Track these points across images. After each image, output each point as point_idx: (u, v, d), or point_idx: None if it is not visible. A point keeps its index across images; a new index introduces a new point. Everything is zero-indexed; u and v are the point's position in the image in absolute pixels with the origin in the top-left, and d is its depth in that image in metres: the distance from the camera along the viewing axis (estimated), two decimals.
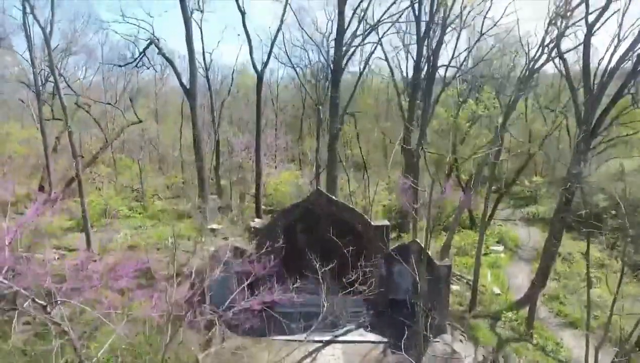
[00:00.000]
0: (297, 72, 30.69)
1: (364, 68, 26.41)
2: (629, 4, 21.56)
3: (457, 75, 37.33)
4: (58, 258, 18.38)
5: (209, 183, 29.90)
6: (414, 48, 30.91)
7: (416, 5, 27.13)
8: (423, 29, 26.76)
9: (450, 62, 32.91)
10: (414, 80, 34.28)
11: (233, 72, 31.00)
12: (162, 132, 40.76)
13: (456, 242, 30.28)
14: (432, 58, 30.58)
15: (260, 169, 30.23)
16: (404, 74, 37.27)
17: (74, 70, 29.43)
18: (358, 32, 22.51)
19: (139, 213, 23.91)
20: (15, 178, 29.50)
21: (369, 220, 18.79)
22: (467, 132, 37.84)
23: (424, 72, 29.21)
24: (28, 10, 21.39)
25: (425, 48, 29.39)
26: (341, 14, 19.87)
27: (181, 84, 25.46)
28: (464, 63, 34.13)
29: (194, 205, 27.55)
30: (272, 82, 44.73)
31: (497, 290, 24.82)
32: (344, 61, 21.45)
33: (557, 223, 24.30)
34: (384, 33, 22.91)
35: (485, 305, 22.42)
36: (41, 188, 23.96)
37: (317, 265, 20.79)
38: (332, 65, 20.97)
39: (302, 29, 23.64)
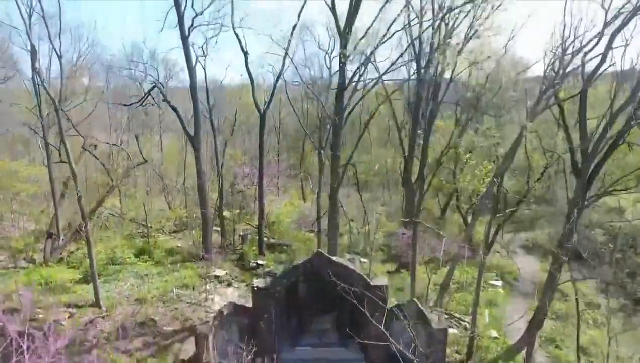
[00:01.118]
0: (295, 111, 31.12)
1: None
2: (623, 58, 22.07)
3: (457, 108, 38.00)
4: (68, 317, 18.99)
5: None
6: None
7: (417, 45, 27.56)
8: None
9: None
10: (414, 114, 34.85)
11: (236, 113, 31.48)
12: (166, 158, 41.37)
13: (455, 276, 30.77)
14: (432, 94, 31.15)
15: (263, 205, 30.80)
16: (404, 105, 37.79)
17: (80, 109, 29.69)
18: (359, 67, 22.77)
19: (145, 261, 24.51)
20: (23, 218, 30.27)
21: (368, 280, 19.31)
22: (466, 161, 38.42)
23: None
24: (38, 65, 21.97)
25: (425, 86, 29.93)
26: (342, 68, 20.34)
27: (185, 131, 25.99)
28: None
29: (196, 247, 28.24)
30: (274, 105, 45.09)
31: (494, 334, 25.32)
32: (345, 114, 21.95)
33: (554, 271, 24.85)
34: (385, 71, 23.06)
35: (483, 354, 22.93)
36: (50, 236, 24.56)
37: (318, 320, 21.56)
38: (334, 118, 21.46)
39: (303, 82, 24.05)
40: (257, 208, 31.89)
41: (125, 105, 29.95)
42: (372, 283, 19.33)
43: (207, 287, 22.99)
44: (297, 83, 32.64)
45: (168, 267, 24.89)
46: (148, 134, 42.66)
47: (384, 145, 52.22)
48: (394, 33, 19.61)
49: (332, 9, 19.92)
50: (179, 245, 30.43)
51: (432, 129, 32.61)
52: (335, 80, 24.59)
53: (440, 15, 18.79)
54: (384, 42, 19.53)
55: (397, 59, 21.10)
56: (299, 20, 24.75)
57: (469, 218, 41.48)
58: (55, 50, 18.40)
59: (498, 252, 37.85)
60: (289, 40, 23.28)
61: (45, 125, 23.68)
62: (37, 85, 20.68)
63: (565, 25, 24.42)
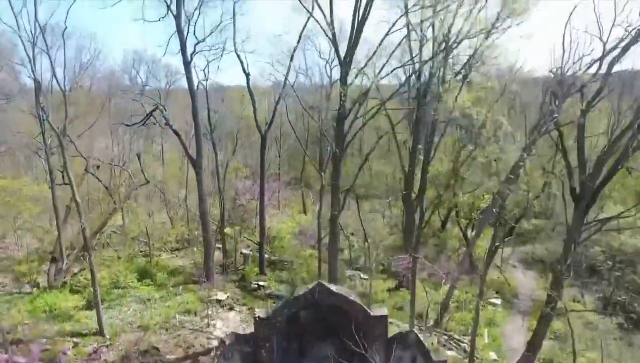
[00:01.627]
0: (295, 133, 31.36)
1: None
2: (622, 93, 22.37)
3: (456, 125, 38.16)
4: (73, 346, 19.23)
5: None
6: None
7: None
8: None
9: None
10: (414, 132, 35.11)
11: (237, 132, 31.71)
12: (167, 171, 41.57)
13: (455, 294, 30.97)
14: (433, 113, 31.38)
15: (264, 223, 31.05)
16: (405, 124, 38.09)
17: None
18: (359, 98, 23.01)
19: (147, 285, 24.75)
20: (27, 236, 30.51)
21: (369, 311, 19.56)
22: (464, 178, 38.64)
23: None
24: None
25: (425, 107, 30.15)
26: (342, 106, 20.54)
27: (188, 155, 26.23)
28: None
29: (198, 267, 28.50)
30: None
31: (494, 355, 25.57)
32: (345, 144, 22.16)
33: (552, 297, 25.10)
34: (388, 98, 23.31)
35: None
36: (53, 259, 24.82)
37: (319, 346, 21.78)
38: (334, 148, 21.68)
39: (304, 107, 24.26)
40: (259, 225, 32.18)
41: (127, 125, 30.20)
42: (372, 314, 19.59)
43: (209, 312, 23.22)
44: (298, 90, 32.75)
45: (170, 290, 25.12)
46: (149, 145, 42.84)
47: (384, 156, 52.41)
48: (394, 70, 19.84)
49: (334, 40, 20.14)
50: (181, 264, 30.72)
51: (432, 147, 32.84)
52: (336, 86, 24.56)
53: (441, 48, 18.96)
54: (383, 77, 19.78)
55: (399, 88, 21.24)
56: (298, 43, 24.94)
57: (469, 232, 41.90)
58: (59, 85, 18.62)
59: (498, 266, 38.06)
60: (289, 65, 23.45)
61: (49, 152, 23.87)
62: (41, 118, 20.85)
63: (564, 52, 24.76)
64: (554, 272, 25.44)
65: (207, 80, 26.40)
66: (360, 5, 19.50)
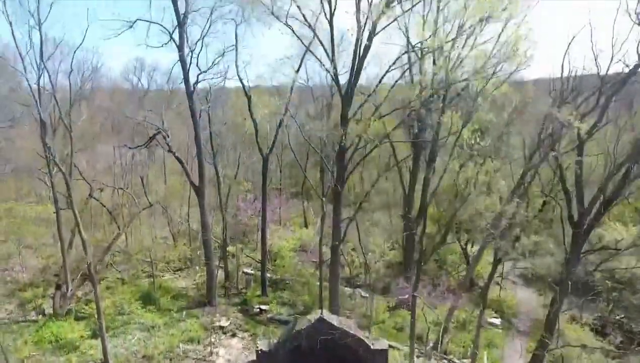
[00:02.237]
0: (297, 159, 31.66)
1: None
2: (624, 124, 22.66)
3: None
4: None
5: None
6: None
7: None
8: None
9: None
10: (415, 154, 35.44)
11: (239, 156, 32.00)
12: (170, 187, 41.87)
13: (455, 314, 31.26)
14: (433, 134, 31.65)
15: (266, 243, 31.35)
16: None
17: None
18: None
19: (151, 312, 25.07)
20: (31, 259, 30.88)
21: (369, 344, 19.88)
22: (467, 196, 38.90)
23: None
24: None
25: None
26: (343, 142, 20.83)
27: (190, 181, 26.54)
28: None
29: (200, 289, 28.82)
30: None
31: None
32: (346, 177, 22.47)
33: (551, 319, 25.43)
34: (385, 135, 23.62)
35: None
36: (58, 287, 25.17)
37: None
38: (334, 182, 21.98)
39: (304, 137, 24.56)
40: (260, 243, 32.51)
41: (130, 147, 30.48)
42: (372, 347, 19.93)
43: (212, 340, 23.56)
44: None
45: (174, 316, 25.45)
46: (152, 163, 43.20)
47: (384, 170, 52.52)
48: (394, 110, 20.13)
49: (335, 78, 20.41)
50: (184, 285, 31.06)
51: (432, 168, 33.14)
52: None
53: (440, 86, 19.23)
54: (383, 116, 20.05)
55: (400, 123, 21.52)
56: (297, 72, 25.20)
57: (469, 247, 42.22)
58: (65, 125, 18.91)
59: (497, 283, 38.33)
60: (289, 94, 23.75)
61: (54, 182, 24.15)
62: (47, 156, 21.16)
63: (562, 85, 25.09)
64: (552, 301, 25.80)
65: (209, 106, 26.60)
66: (360, 44, 19.77)
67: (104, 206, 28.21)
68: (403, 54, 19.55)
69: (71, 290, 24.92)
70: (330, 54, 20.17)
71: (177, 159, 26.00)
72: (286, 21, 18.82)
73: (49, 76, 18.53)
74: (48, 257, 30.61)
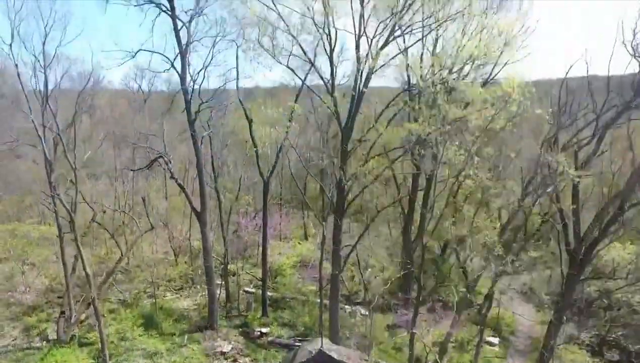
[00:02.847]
0: (298, 184, 31.94)
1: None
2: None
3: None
4: None
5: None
6: None
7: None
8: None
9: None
10: (414, 176, 35.75)
11: (240, 179, 32.34)
12: (171, 205, 42.17)
13: (453, 334, 31.60)
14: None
15: (267, 268, 31.70)
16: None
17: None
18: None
19: (154, 337, 25.43)
20: (34, 280, 31.22)
21: None
22: (463, 213, 39.27)
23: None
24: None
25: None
26: (342, 175, 21.16)
27: (192, 208, 26.86)
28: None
29: (201, 311, 29.17)
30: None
31: None
32: (345, 207, 22.81)
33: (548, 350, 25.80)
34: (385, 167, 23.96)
35: None
36: (62, 313, 25.53)
37: None
38: (335, 217, 22.34)
39: (304, 164, 24.93)
40: (261, 261, 32.85)
41: (132, 170, 30.80)
42: None
43: None
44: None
45: (176, 341, 25.82)
46: (153, 180, 43.54)
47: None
48: (393, 149, 20.46)
49: (335, 112, 20.72)
50: (186, 306, 31.42)
51: (432, 188, 33.51)
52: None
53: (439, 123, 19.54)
54: (380, 155, 20.45)
55: (402, 154, 21.86)
56: (296, 101, 25.54)
57: (468, 262, 42.56)
58: (70, 163, 19.23)
59: (496, 299, 38.66)
60: (288, 123, 24.08)
61: (58, 212, 24.40)
62: (53, 197, 21.46)
63: (560, 111, 25.41)
64: (549, 325, 26.13)
65: (211, 132, 26.94)
66: (360, 79, 20.10)
67: (107, 230, 28.54)
68: (401, 92, 19.86)
69: (75, 315, 25.25)
70: (330, 89, 20.51)
71: (179, 185, 26.35)
72: (288, 63, 19.16)
73: (54, 116, 18.83)
74: (53, 278, 30.93)
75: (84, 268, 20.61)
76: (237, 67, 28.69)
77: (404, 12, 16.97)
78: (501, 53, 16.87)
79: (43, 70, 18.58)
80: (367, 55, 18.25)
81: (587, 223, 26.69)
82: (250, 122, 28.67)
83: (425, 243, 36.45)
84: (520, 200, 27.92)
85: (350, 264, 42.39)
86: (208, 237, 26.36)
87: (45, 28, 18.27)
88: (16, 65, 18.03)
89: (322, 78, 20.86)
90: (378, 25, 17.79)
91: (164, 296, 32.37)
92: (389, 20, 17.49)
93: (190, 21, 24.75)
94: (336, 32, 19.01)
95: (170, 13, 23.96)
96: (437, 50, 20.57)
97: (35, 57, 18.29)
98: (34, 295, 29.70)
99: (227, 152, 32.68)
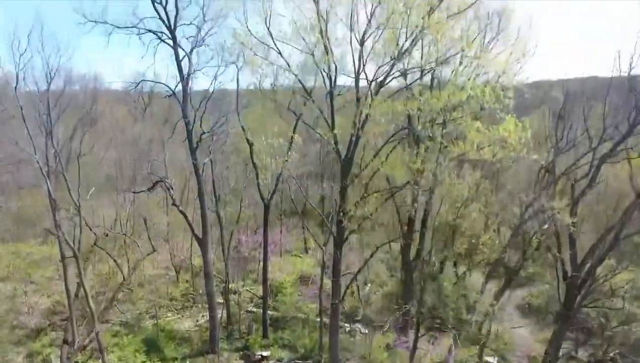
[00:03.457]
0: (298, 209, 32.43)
1: None
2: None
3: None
4: None
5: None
6: None
7: None
8: None
9: None
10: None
11: (241, 203, 32.64)
12: (172, 225, 42.43)
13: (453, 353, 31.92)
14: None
15: (267, 290, 32.00)
16: None
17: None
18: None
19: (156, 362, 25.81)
20: (37, 302, 31.50)
21: None
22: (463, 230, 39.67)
23: None
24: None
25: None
26: (342, 208, 21.47)
27: (194, 234, 27.17)
28: None
29: (203, 332, 29.48)
30: None
31: None
32: (345, 238, 23.13)
33: None
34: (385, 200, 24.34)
35: None
36: (65, 341, 25.81)
37: None
38: (335, 252, 22.70)
39: (303, 194, 25.29)
40: (262, 278, 33.16)
41: (134, 192, 31.10)
42: None
43: None
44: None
45: None
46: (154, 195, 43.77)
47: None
48: (391, 188, 20.75)
49: (336, 149, 21.01)
50: (187, 327, 31.75)
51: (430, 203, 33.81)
52: None
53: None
54: (379, 191, 20.77)
55: (401, 188, 22.19)
56: (294, 131, 25.82)
57: (467, 277, 42.95)
58: (73, 200, 19.53)
59: (494, 313, 38.93)
60: (288, 154, 24.39)
61: (65, 258, 24.47)
62: (59, 235, 21.71)
63: (557, 141, 25.79)
64: (547, 348, 26.50)
65: (212, 161, 27.27)
66: (360, 116, 20.39)
67: (109, 255, 28.84)
68: (400, 130, 20.16)
69: (78, 342, 25.53)
70: (330, 125, 20.79)
71: (181, 212, 26.63)
72: (289, 106, 19.50)
73: (61, 162, 19.09)
74: (56, 301, 31.21)
75: (88, 305, 20.91)
76: (237, 92, 29.08)
77: (402, 56, 17.28)
78: (497, 80, 17.12)
79: (50, 132, 18.83)
80: (366, 97, 18.54)
81: (586, 235, 27.09)
82: (251, 145, 29.00)
83: (423, 258, 36.99)
84: (519, 226, 28.34)
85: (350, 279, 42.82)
86: (210, 263, 26.65)
87: (49, 73, 18.55)
88: (21, 107, 18.25)
89: (321, 113, 21.15)
90: (377, 70, 18.11)
91: (165, 317, 32.67)
92: (387, 63, 17.81)
93: (191, 51, 25.03)
94: (336, 68, 19.26)
95: (172, 44, 24.25)
96: (435, 88, 20.84)
97: (43, 119, 18.56)
98: (37, 317, 29.95)
99: (228, 172, 32.91)
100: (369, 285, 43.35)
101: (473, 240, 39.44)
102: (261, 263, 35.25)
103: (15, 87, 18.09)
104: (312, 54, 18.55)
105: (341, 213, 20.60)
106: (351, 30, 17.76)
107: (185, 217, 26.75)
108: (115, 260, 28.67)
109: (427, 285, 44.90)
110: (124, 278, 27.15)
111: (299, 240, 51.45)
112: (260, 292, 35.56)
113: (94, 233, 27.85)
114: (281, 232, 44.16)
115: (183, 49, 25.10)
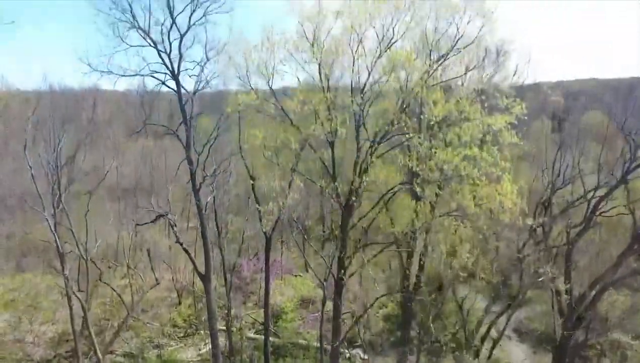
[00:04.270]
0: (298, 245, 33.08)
1: None
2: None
3: None
4: None
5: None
6: None
7: None
8: None
9: None
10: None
11: (243, 236, 33.14)
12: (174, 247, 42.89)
13: None
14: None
15: (268, 320, 32.44)
16: None
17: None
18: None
19: None
20: (42, 331, 32.03)
21: None
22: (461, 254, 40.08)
23: None
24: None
25: None
26: (343, 254, 21.97)
27: (196, 270, 27.65)
28: None
29: None
30: None
31: None
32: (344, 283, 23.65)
33: None
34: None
35: None
36: None
37: None
38: (336, 300, 23.24)
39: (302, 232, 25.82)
40: (264, 310, 33.64)
41: (138, 224, 31.57)
42: None
43: None
44: None
45: None
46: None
47: None
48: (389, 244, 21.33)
49: (337, 197, 21.52)
50: (189, 357, 32.28)
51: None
52: None
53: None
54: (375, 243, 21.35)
55: (397, 242, 22.69)
56: (294, 174, 26.23)
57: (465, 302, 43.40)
58: (81, 253, 20.03)
59: (493, 338, 39.43)
60: (288, 194, 24.86)
61: (70, 296, 24.92)
62: (66, 287, 22.22)
63: (553, 181, 26.28)
64: None
65: (215, 199, 27.75)
66: (360, 165, 20.90)
67: (113, 290, 29.34)
68: (400, 183, 20.67)
69: None
70: (332, 178, 21.30)
71: (185, 250, 27.04)
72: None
73: (68, 218, 19.61)
74: (61, 332, 31.70)
75: (93, 345, 21.43)
76: (239, 126, 29.49)
77: (398, 121, 17.79)
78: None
79: (58, 185, 19.33)
80: (364, 157, 19.07)
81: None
82: (252, 179, 29.47)
83: (420, 281, 37.35)
84: (516, 261, 28.86)
85: (349, 301, 43.25)
86: (213, 301, 27.06)
87: (57, 159, 18.96)
88: (31, 168, 18.72)
89: (323, 164, 21.66)
90: (377, 134, 18.63)
91: (169, 345, 33.19)
92: (383, 127, 18.36)
93: (195, 93, 25.46)
94: (337, 127, 19.73)
95: (175, 89, 24.70)
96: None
97: (51, 181, 19.07)
98: (43, 349, 30.46)
99: (229, 203, 33.42)
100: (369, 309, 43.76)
101: (472, 266, 39.86)
102: (262, 286, 35.73)
103: (25, 147, 18.53)
104: (316, 113, 19.08)
105: (342, 257, 21.15)
106: (352, 93, 18.31)
107: (189, 254, 27.21)
108: (119, 295, 29.15)
109: (427, 307, 45.53)
110: (127, 312, 27.59)
111: (299, 257, 51.89)
112: (261, 316, 36.12)
113: (99, 269, 28.33)
114: (282, 254, 44.62)
115: (187, 90, 25.59)
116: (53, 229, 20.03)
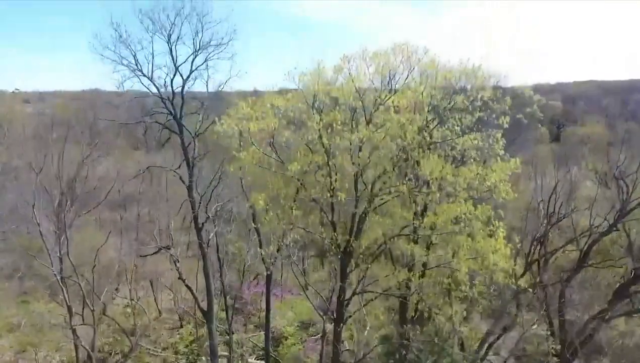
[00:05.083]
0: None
1: None
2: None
3: None
4: None
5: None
6: None
7: None
8: None
9: None
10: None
11: (244, 265, 33.73)
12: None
13: None
14: None
15: (269, 348, 33.08)
16: None
17: None
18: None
19: None
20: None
21: None
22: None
23: None
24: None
25: None
26: (342, 288, 22.66)
27: (199, 306, 28.26)
28: None
29: None
30: None
31: None
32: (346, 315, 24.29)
33: None
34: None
35: None
36: None
37: None
38: (336, 326, 23.85)
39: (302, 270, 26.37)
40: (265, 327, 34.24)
41: (141, 255, 32.16)
42: None
43: None
44: None
45: None
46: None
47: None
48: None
49: (335, 243, 22.11)
50: None
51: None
52: None
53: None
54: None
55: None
56: (294, 200, 26.79)
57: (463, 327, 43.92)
58: (89, 306, 20.64)
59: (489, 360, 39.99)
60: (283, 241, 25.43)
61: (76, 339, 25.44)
62: (70, 321, 22.80)
63: (547, 218, 26.85)
64: None
65: (216, 235, 28.35)
66: (359, 213, 21.50)
67: (118, 324, 29.92)
68: (403, 228, 21.31)
69: None
70: (331, 225, 21.90)
71: (188, 287, 27.70)
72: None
73: (75, 271, 20.24)
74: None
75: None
76: (242, 186, 29.78)
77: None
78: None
79: (64, 232, 19.93)
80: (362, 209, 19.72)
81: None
82: (254, 215, 30.04)
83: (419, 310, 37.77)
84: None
85: (349, 323, 43.84)
86: (215, 337, 27.65)
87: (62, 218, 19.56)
88: (38, 224, 19.29)
89: (323, 210, 22.24)
90: (374, 185, 19.30)
91: None
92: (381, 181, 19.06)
93: (197, 135, 26.04)
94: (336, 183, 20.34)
95: (179, 133, 25.32)
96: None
97: (57, 226, 19.70)
98: None
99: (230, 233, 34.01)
100: (369, 327, 44.30)
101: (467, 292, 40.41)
102: (262, 307, 36.19)
103: (33, 206, 19.09)
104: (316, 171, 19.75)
105: (342, 296, 21.83)
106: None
107: (191, 290, 27.85)
108: (123, 330, 29.73)
109: (424, 329, 46.06)
110: (131, 346, 28.19)
111: (299, 274, 52.30)
112: (261, 340, 36.75)
113: (103, 304, 28.89)
114: (282, 276, 45.20)
115: (190, 132, 26.19)
116: (58, 275, 20.54)
